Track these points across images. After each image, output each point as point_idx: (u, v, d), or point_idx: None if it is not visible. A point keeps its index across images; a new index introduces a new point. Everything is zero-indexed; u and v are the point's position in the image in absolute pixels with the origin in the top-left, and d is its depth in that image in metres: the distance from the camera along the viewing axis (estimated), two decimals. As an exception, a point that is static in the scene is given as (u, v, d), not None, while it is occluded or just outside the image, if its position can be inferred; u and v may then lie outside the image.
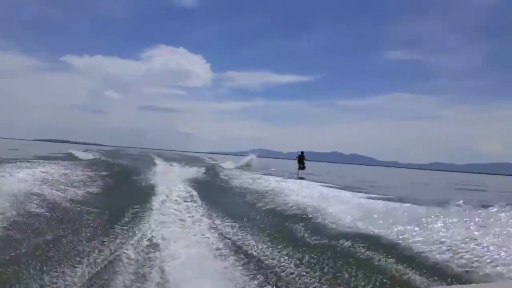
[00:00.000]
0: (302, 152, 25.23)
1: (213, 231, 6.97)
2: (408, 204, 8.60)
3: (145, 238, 6.15)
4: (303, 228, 7.27)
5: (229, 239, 6.53)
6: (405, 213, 7.17)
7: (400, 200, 10.76)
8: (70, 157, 21.77)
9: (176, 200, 9.65)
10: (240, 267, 5.11)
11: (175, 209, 8.56)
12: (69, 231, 6.22)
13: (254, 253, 5.85)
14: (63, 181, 11.39)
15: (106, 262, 5.00)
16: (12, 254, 4.71)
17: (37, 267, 4.43)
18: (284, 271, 5.10)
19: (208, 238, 6.45)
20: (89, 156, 23.81)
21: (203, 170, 19.37)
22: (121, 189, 12.45)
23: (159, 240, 6.03)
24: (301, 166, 24.56)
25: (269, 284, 4.64)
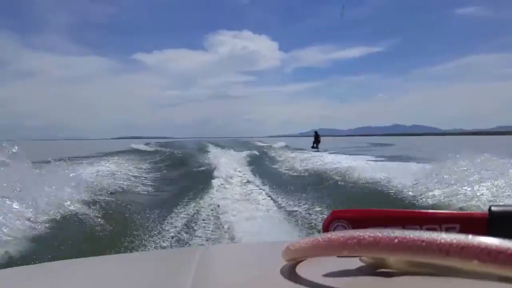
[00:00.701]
0: (316, 132, 23.90)
1: (267, 200, 7.92)
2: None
3: (209, 208, 7.08)
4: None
5: (282, 207, 7.34)
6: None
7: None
8: (133, 151, 23.28)
9: (232, 179, 10.34)
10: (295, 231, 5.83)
11: (233, 187, 9.41)
12: (146, 207, 7.18)
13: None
14: (127, 171, 12.42)
15: (184, 225, 6.03)
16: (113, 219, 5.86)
17: (137, 227, 5.68)
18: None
19: (263, 206, 7.38)
20: (148, 148, 25.40)
21: (255, 152, 19.96)
22: (180, 175, 13.06)
23: (222, 209, 6.94)
24: (314, 145, 23.22)
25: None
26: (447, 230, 0.69)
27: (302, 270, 0.73)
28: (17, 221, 4.70)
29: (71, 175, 8.03)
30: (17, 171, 6.43)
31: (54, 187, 6.38)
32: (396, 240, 0.52)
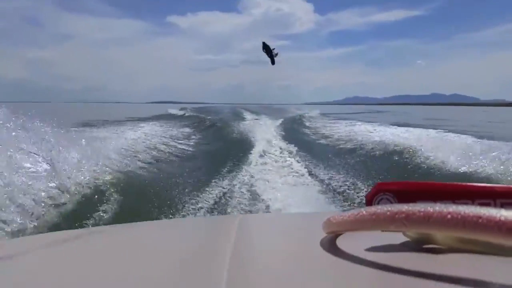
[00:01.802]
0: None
1: (302, 171, 7.83)
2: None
3: (245, 177, 7.14)
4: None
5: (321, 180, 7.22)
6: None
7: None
8: (170, 116, 23.73)
9: (267, 148, 10.28)
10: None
11: (268, 156, 9.38)
12: (184, 172, 7.39)
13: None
14: (163, 137, 12.69)
15: (221, 193, 6.15)
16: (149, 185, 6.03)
17: (173, 195, 5.78)
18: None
19: (299, 177, 7.34)
20: (183, 113, 25.74)
21: (291, 120, 19.92)
22: (216, 142, 13.21)
23: (258, 178, 7.00)
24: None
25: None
26: (503, 205, 0.65)
27: (343, 243, 0.71)
28: (52, 187, 4.71)
29: (106, 140, 8.18)
30: (53, 136, 6.55)
31: (89, 151, 6.40)
32: (449, 216, 0.49)
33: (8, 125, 5.46)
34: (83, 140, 6.93)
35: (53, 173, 4.86)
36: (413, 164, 7.94)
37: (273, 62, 18.18)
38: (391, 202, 0.71)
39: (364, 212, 0.60)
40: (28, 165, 4.72)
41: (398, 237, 0.69)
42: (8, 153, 4.67)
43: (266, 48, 18.67)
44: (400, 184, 0.73)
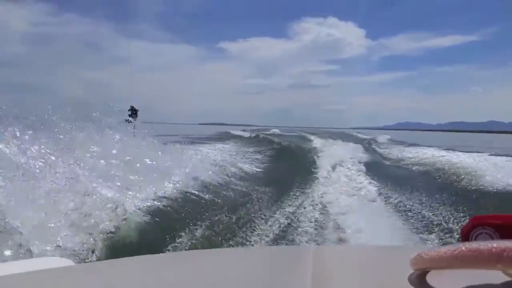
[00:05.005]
0: (132, 106, 18.70)
1: (380, 199, 7.48)
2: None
3: (317, 201, 6.99)
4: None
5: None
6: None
7: None
8: (233, 136, 24.15)
9: (339, 174, 9.94)
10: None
11: (341, 183, 9.03)
12: (255, 195, 7.27)
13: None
14: (234, 156, 12.87)
15: (289, 218, 5.95)
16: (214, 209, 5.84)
17: (234, 222, 5.50)
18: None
19: (376, 207, 6.97)
20: (247, 134, 26.09)
21: (359, 145, 19.46)
22: (284, 162, 13.16)
23: (329, 202, 6.82)
24: (129, 120, 18.34)
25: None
26: None
27: (434, 281, 0.65)
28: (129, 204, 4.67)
29: (181, 158, 8.04)
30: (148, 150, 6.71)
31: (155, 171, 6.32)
32: None
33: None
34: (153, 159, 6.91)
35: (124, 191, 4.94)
36: (506, 195, 7.36)
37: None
38: (492, 238, 0.65)
39: (463, 248, 0.54)
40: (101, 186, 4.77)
41: (497, 276, 0.60)
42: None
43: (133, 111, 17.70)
44: (501, 217, 0.66)
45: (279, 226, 5.61)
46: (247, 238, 5.03)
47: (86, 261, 3.24)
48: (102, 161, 5.68)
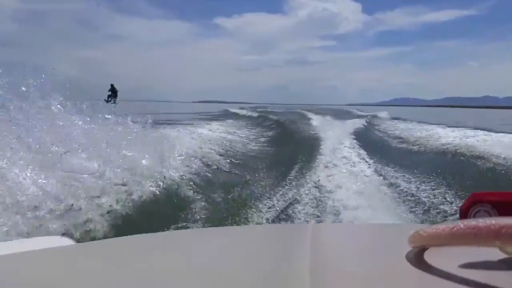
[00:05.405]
0: (112, 85, 18.77)
1: (377, 177, 7.38)
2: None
3: (317, 181, 6.87)
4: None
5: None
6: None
7: None
8: (232, 115, 24.11)
9: (338, 153, 9.92)
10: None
11: (338, 160, 8.92)
12: (254, 174, 7.33)
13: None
14: (234, 135, 12.80)
15: (288, 199, 5.90)
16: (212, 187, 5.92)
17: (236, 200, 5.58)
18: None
19: (373, 185, 6.86)
20: (245, 112, 25.99)
21: (358, 121, 19.37)
22: (285, 141, 13.17)
23: (329, 183, 6.70)
24: (110, 100, 18.36)
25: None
26: None
27: (432, 258, 0.64)
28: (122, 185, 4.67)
29: (172, 139, 7.84)
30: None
31: (157, 152, 6.23)
32: None
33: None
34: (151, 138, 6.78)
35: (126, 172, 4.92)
36: (506, 173, 7.38)
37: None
38: (490, 215, 0.64)
39: (462, 225, 0.55)
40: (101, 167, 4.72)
41: (494, 253, 0.61)
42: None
43: (113, 91, 17.11)
44: (499, 194, 0.66)
45: (279, 207, 5.60)
46: (245, 218, 5.05)
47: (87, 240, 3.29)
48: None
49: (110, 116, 6.46)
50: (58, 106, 5.59)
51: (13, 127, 4.65)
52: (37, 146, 4.52)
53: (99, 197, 4.08)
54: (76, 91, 6.59)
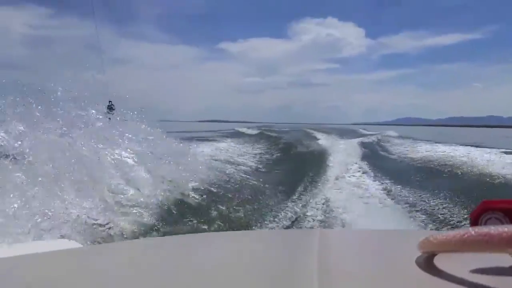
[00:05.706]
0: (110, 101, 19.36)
1: (383, 191, 7.39)
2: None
3: (323, 200, 6.82)
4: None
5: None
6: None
7: None
8: (238, 134, 24.18)
9: (345, 168, 10.10)
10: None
11: (346, 175, 9.18)
12: (259, 195, 7.17)
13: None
14: (240, 153, 12.98)
15: (298, 210, 6.00)
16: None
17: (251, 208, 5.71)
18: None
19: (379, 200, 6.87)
20: (253, 132, 26.03)
21: (364, 139, 19.49)
22: (291, 159, 13.21)
23: (336, 203, 6.62)
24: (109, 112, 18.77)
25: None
26: None
27: (442, 264, 0.64)
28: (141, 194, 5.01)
29: (190, 153, 8.12)
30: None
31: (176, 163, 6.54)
32: None
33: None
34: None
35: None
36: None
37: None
38: (502, 222, 0.65)
39: (473, 232, 0.54)
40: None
41: (504, 259, 0.60)
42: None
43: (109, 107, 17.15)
44: (510, 202, 0.66)
45: (289, 218, 5.74)
46: (255, 225, 5.22)
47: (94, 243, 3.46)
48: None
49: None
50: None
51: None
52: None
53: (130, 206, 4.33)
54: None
